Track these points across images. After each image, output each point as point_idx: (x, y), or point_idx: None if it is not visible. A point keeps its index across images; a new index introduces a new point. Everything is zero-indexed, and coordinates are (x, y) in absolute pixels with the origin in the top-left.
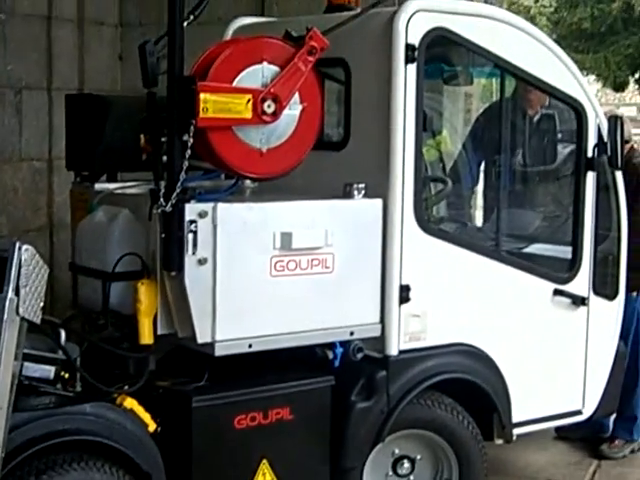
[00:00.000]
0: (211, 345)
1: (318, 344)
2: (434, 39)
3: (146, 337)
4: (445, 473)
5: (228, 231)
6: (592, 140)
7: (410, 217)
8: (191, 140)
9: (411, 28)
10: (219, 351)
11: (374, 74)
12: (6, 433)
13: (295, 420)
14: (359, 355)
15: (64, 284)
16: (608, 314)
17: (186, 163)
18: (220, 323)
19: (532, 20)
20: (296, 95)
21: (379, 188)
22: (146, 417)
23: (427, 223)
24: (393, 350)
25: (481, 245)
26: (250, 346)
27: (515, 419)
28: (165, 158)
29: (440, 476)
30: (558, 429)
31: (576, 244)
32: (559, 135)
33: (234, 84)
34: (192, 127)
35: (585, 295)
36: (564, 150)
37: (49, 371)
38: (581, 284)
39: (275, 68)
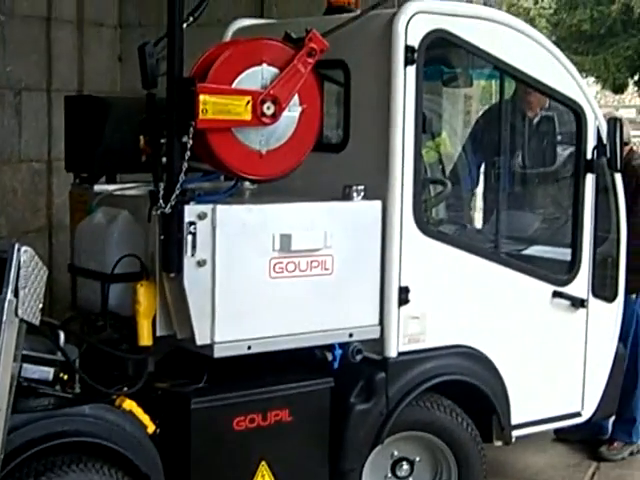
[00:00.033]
0: (210, 347)
1: (317, 346)
2: (434, 41)
3: (145, 338)
4: (444, 475)
5: (227, 233)
6: (591, 142)
7: (409, 219)
8: (190, 142)
9: (411, 30)
10: (218, 353)
11: (373, 76)
12: (5, 434)
13: (294, 422)
14: (358, 357)
15: (63, 285)
16: (607, 316)
17: (185, 165)
18: (219, 325)
19: (531, 22)
20: (295, 97)
21: (378, 190)
22: (145, 419)
23: (426, 225)
24: (392, 352)
25: (480, 247)
26: (249, 348)
27: (514, 421)
28: (164, 159)
29: (439, 478)
30: (557, 431)
31: (575, 246)
32: (558, 137)
33: (234, 86)
34: (191, 129)
35: (584, 297)
36: (564, 152)
37: (48, 372)
38: (580, 286)
39: (275, 70)
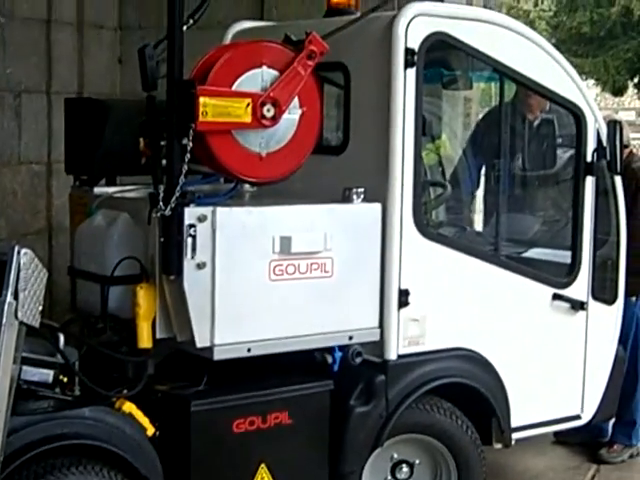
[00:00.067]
0: (210, 349)
1: (317, 348)
2: (433, 43)
3: (145, 341)
4: (444, 478)
5: (227, 235)
6: (591, 145)
7: (409, 221)
8: (190, 144)
9: (410, 32)
10: (218, 355)
11: (373, 78)
12: (5, 437)
13: (294, 424)
14: (358, 359)
15: (63, 288)
16: (607, 319)
17: (185, 167)
18: (219, 327)
19: (531, 24)
20: (295, 99)
21: (378, 192)
22: (145, 421)
23: (426, 227)
24: (392, 354)
25: (480, 249)
26: (249, 350)
27: (514, 424)
28: (164, 162)
29: None
30: (557, 434)
31: (575, 249)
32: (559, 140)
33: (233, 88)
34: (191, 131)
35: (584, 300)
36: (564, 155)
37: (48, 375)
38: (580, 289)
39: (274, 72)
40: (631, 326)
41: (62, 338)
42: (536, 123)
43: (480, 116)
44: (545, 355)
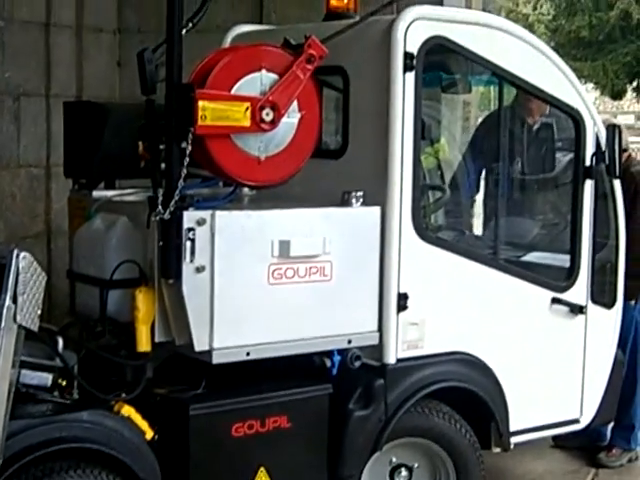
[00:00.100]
0: (209, 353)
1: (316, 352)
2: (432, 47)
3: (143, 345)
4: None
5: (226, 239)
6: (590, 149)
7: (408, 225)
8: (189, 148)
9: (410, 36)
10: (217, 359)
11: (372, 82)
12: (3, 441)
13: (293, 428)
14: (357, 363)
15: (62, 291)
16: (606, 322)
17: (184, 171)
18: (218, 331)
19: (530, 28)
20: (294, 103)
21: (377, 196)
22: (143, 425)
23: (425, 231)
24: (391, 358)
25: (479, 253)
26: (248, 354)
27: (513, 427)
28: (163, 165)
29: None
30: (555, 437)
31: (574, 252)
32: (558, 144)
33: (232, 92)
34: (190, 135)
35: (583, 303)
36: (563, 159)
37: (46, 379)
38: (579, 292)
39: (274, 76)
40: (630, 330)
41: (61, 342)
42: (536, 127)
43: (480, 120)
44: (544, 359)
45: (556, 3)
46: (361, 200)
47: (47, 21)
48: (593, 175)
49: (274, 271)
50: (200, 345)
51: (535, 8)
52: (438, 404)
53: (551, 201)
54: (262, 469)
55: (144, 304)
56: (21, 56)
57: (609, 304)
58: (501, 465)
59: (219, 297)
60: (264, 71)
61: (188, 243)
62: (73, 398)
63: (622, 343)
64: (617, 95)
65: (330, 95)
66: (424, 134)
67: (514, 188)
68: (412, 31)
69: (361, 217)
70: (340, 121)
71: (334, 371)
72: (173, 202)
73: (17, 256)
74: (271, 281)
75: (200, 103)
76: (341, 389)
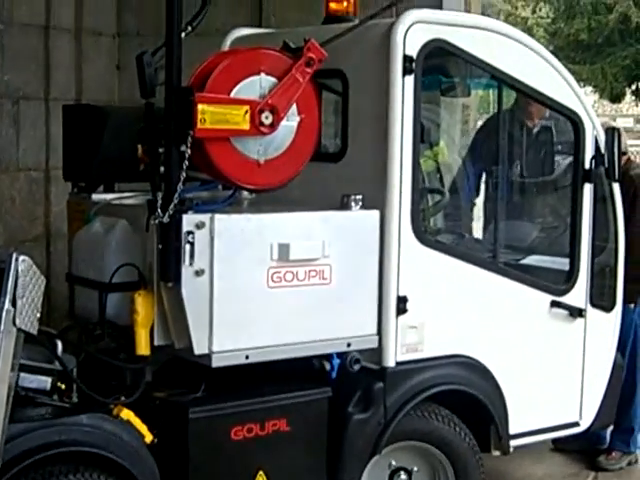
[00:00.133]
0: (208, 356)
1: (315, 355)
2: (432, 51)
3: (143, 348)
4: None
5: (225, 242)
6: (589, 152)
7: (407, 228)
8: (189, 151)
9: (409, 40)
10: (216, 362)
11: (372, 85)
12: (2, 444)
13: (292, 431)
14: (356, 366)
15: (61, 294)
16: (605, 326)
17: (183, 174)
18: (217, 334)
19: (529, 31)
20: (294, 106)
21: (376, 199)
22: (143, 428)
23: (424, 234)
24: (390, 362)
25: (478, 257)
26: (247, 357)
27: (512, 431)
28: (162, 169)
29: None
30: (555, 441)
31: (573, 256)
32: (557, 147)
33: (232, 95)
34: (190, 138)
35: (582, 307)
36: (563, 162)
37: (46, 382)
38: (578, 296)
39: (273, 79)
40: (629, 333)
41: (60, 345)
42: (535, 130)
43: (479, 123)
44: (543, 362)
45: (555, 6)
46: (360, 203)
47: (46, 24)
48: (592, 178)
49: (273, 274)
50: (199, 348)
51: (534, 11)
52: (437, 407)
53: (550, 204)
54: (261, 472)
55: (143, 307)
56: (20, 59)
57: (608, 307)
58: (501, 468)
59: (218, 300)
60: (263, 74)
61: (187, 246)
62: (72, 401)
63: (621, 346)
64: (616, 98)
65: (329, 98)
66: (423, 137)
67: (513, 191)
68: (411, 34)
69: (360, 220)
70: (339, 124)
71: (333, 374)
72: (172, 205)
73: (16, 259)
74: (270, 284)
75: (199, 106)
76: (340, 392)
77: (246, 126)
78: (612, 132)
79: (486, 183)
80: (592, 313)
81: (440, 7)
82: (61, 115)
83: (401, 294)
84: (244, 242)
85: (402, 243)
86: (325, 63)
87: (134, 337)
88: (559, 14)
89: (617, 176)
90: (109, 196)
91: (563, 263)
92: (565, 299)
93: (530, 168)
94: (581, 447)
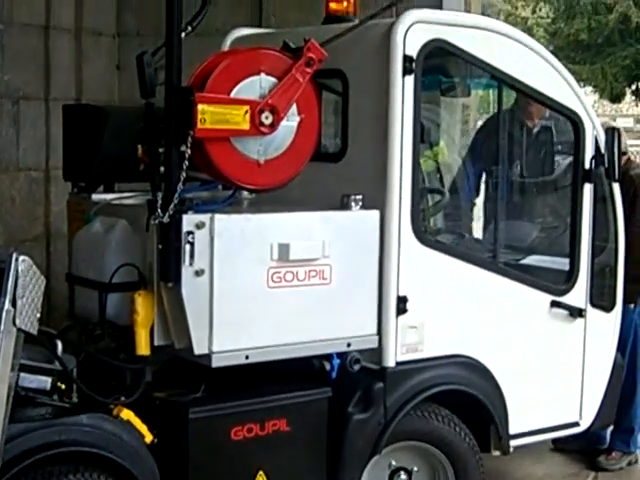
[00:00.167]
0: (208, 356)
1: (315, 355)
2: (432, 51)
3: (143, 348)
4: None
5: (225, 242)
6: (589, 152)
7: (407, 228)
8: (189, 151)
9: (409, 40)
10: (216, 362)
11: (372, 85)
12: (2, 444)
13: (292, 431)
14: (356, 367)
15: (61, 294)
16: (605, 326)
17: (183, 174)
18: (217, 334)
19: (529, 31)
20: (294, 106)
21: (376, 199)
22: (143, 428)
23: (424, 234)
24: (390, 362)
25: (478, 257)
26: (247, 357)
27: (512, 431)
28: (162, 169)
29: None
30: (555, 441)
31: (573, 256)
32: (558, 147)
33: (232, 95)
34: (190, 138)
35: (582, 307)
36: (564, 162)
37: (46, 382)
38: (578, 296)
39: (273, 79)
40: (629, 333)
41: (60, 345)
42: (535, 130)
43: (479, 123)
44: (543, 362)
45: (555, 6)
46: (360, 203)
47: (46, 24)
48: (592, 178)
49: (273, 274)
50: (199, 348)
51: (534, 11)
52: (437, 407)
53: (550, 204)
54: (261, 472)
55: (143, 307)
56: (20, 59)
57: (608, 307)
58: (501, 468)
59: (218, 300)
60: (263, 74)
61: (187, 246)
62: (72, 401)
63: (621, 346)
64: (616, 98)
65: (329, 98)
66: (423, 137)
67: (513, 191)
68: (411, 34)
69: (360, 220)
70: (339, 124)
71: (333, 374)
72: (172, 205)
73: (16, 259)
74: (270, 284)
75: (199, 106)
76: (340, 392)
77: (246, 126)
78: (612, 132)
79: (486, 183)
80: (592, 313)
81: (440, 7)
82: (61, 115)
83: (401, 294)
84: (244, 242)
85: (402, 243)
86: (325, 63)
87: (134, 337)
88: (559, 14)
89: (617, 176)
90: (109, 196)
91: (563, 263)
92: (565, 299)
93: (530, 168)
94: (581, 447)
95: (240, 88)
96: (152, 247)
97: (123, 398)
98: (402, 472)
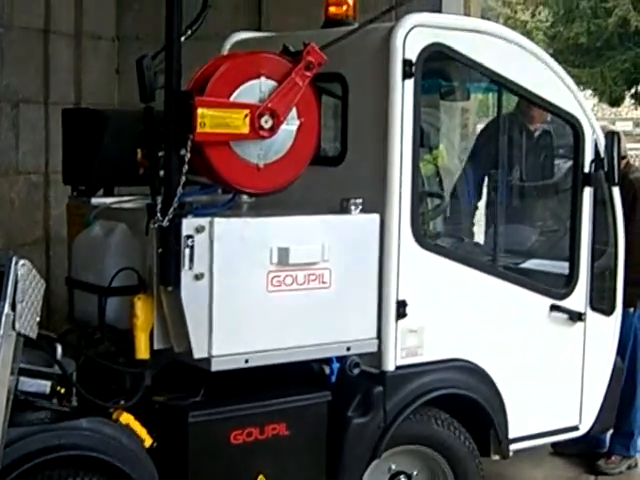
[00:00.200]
0: (207, 360)
1: (315, 359)
2: (431, 54)
3: (142, 352)
4: None
5: (225, 246)
6: (589, 156)
7: (407, 232)
8: (188, 155)
9: (408, 43)
10: (215, 366)
11: (371, 89)
12: (2, 448)
13: (291, 435)
14: (356, 370)
15: (60, 298)
16: (605, 329)
17: (183, 178)
18: (216, 338)
19: (529, 35)
20: (293, 110)
21: (376, 203)
22: (142, 432)
23: (424, 238)
24: (390, 366)
25: (478, 260)
26: (247, 361)
27: (512, 435)
28: (162, 173)
29: None
30: (554, 445)
31: (573, 259)
32: (558, 151)
33: (231, 99)
34: (189, 142)
35: (582, 311)
36: (564, 165)
37: (45, 386)
38: (578, 300)
39: (273, 83)
40: (629, 337)
41: (59, 349)
42: (536, 134)
43: (479, 127)
44: (543, 366)
45: (554, 10)
46: (360, 207)
47: (46, 28)
48: (592, 182)
49: (273, 278)
50: (199, 352)
51: (533, 15)
52: (437, 411)
53: (550, 208)
54: (261, 476)
55: (143, 311)
56: (20, 63)
57: (608, 311)
58: (500, 472)
59: (218, 304)
60: (263, 78)
61: (187, 250)
62: (72, 405)
63: (621, 350)
64: (615, 102)
65: (329, 102)
66: (423, 141)
67: (513, 195)
68: (411, 38)
69: (360, 224)
70: (339, 128)
71: (333, 378)
72: (172, 209)
73: (16, 263)
74: (270, 288)
75: (199, 110)
76: (340, 396)
77: (246, 130)
78: (612, 136)
79: (486, 187)
80: (592, 317)
81: (440, 11)
82: (60, 119)
83: (401, 298)
84: (244, 246)
85: (402, 247)
86: (325, 67)
87: (134, 341)
88: (558, 18)
89: (617, 180)
90: (108, 200)
91: (563, 267)
92: (565, 303)
93: (530, 172)
94: (581, 451)
95: (240, 92)
96: (152, 251)
97: (123, 402)
98: (402, 476)
